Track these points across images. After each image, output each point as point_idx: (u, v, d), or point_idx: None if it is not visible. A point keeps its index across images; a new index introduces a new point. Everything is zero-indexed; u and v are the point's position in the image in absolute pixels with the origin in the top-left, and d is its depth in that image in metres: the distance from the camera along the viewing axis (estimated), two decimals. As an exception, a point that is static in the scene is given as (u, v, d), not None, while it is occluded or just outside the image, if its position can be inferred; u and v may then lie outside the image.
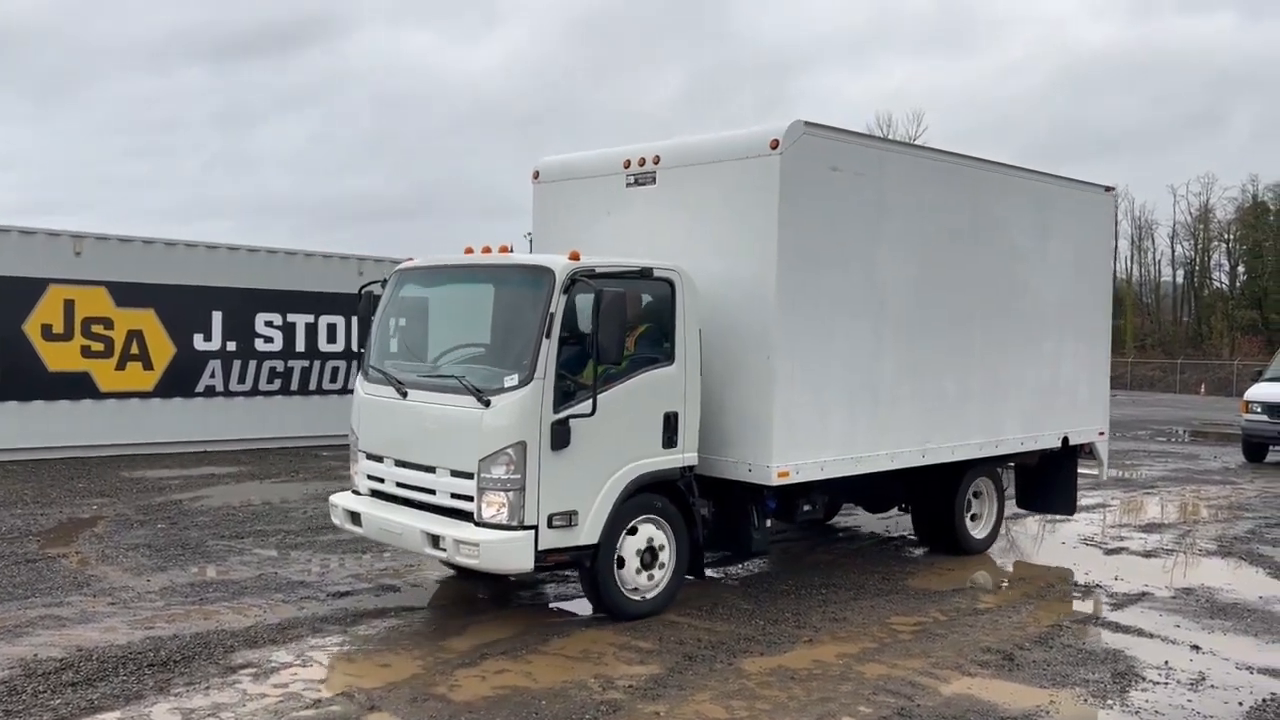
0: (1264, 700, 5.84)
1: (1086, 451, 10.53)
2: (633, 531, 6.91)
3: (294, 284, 16.13)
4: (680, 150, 7.92)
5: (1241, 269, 56.17)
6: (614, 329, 6.36)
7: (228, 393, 15.49)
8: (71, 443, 14.00)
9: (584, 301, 6.51)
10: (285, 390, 16.09)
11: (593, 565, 6.75)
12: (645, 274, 6.95)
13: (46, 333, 13.85)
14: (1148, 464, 17.31)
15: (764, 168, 7.26)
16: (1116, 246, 57.43)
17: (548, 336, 6.41)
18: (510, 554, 6.37)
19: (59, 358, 13.97)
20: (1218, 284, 57.83)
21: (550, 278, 6.53)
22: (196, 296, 15.11)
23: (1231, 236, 56.45)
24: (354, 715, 5.23)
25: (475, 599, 7.64)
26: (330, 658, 6.14)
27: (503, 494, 6.35)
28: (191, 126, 78.61)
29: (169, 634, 6.48)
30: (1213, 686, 6.06)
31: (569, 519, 6.50)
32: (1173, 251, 59.42)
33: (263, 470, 13.73)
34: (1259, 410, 17.79)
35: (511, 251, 7.40)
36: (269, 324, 15.90)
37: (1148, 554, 9.88)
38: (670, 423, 7.02)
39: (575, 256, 6.71)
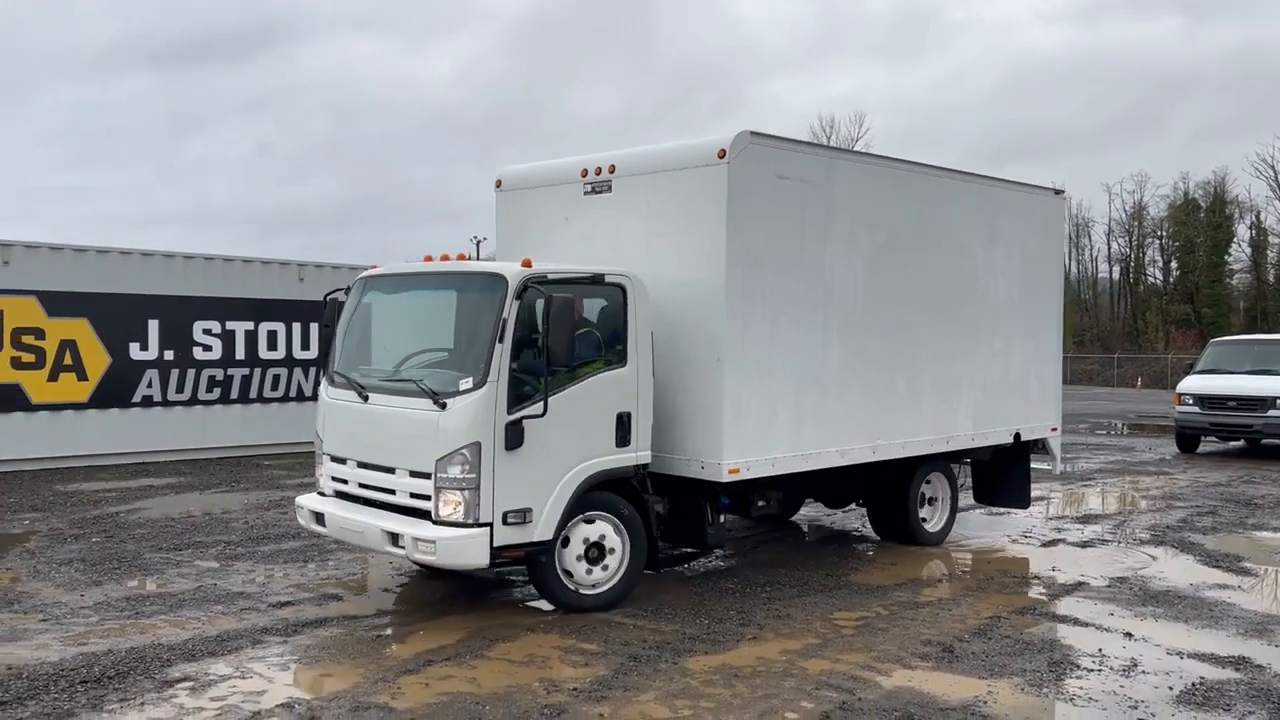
0: (1193, 684, 6.00)
1: (1040, 447, 10.85)
2: (590, 522, 7.16)
3: (233, 291, 15.88)
4: (634, 160, 8.13)
5: (1175, 265, 57.65)
6: (563, 333, 6.62)
7: (166, 402, 15.19)
8: (2, 456, 13.63)
9: (537, 307, 6.74)
10: (225, 399, 15.82)
11: (547, 561, 6.97)
12: (597, 280, 7.19)
13: (-26, 344, 13.48)
14: (1086, 456, 17.69)
15: (712, 176, 7.49)
16: (1055, 244, 58.59)
17: (501, 341, 6.64)
18: (466, 550, 6.59)
19: (-12, 369, 13.59)
20: (1152, 280, 59.33)
21: (503, 284, 6.77)
22: (132, 305, 14.79)
23: (1165, 233, 57.92)
24: (294, 726, 5.16)
25: (420, 606, 7.59)
26: (270, 669, 6.05)
27: (459, 493, 6.59)
28: (135, 135, 77.10)
29: (103, 649, 6.34)
30: (1144, 672, 6.21)
31: (523, 516, 6.72)
32: (1109, 248, 60.91)
33: (203, 481, 13.49)
34: (1190, 402, 18.27)
35: (469, 260, 7.59)
36: (207, 332, 15.63)
37: (1084, 544, 10.10)
38: (623, 422, 7.24)
39: (528, 263, 6.95)
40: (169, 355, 15.20)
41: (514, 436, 6.66)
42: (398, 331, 7.86)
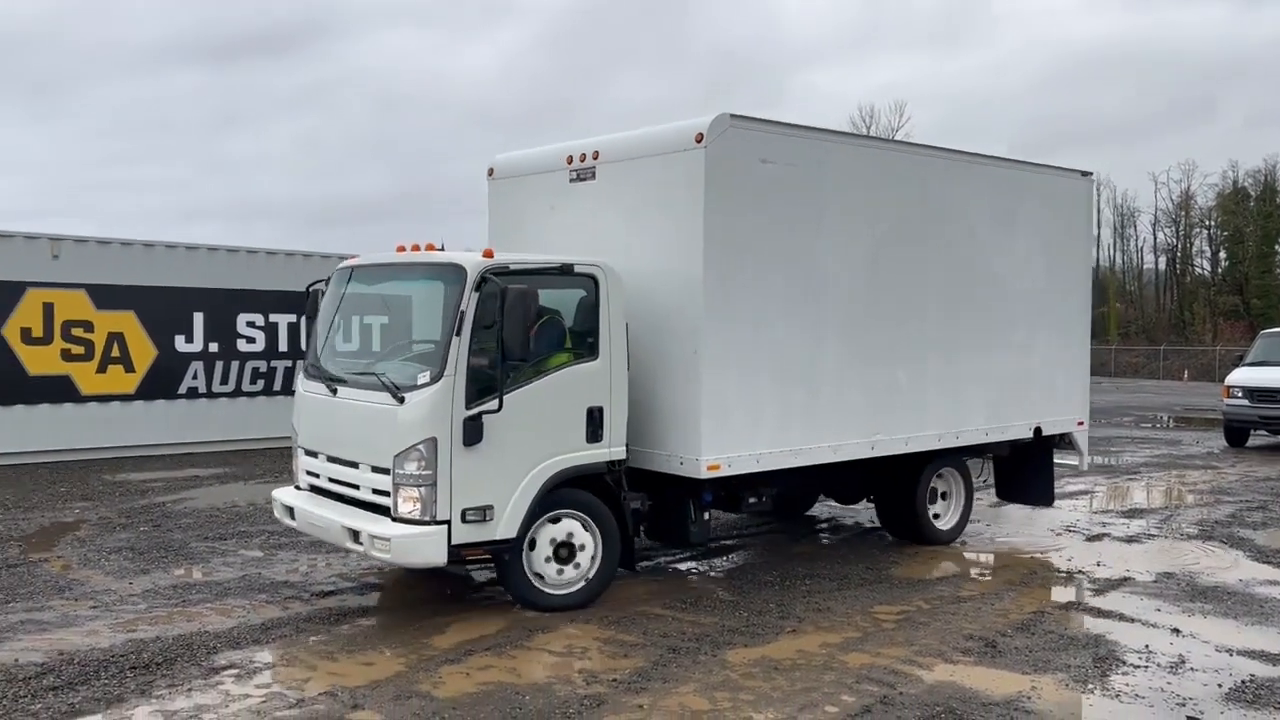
0: (1243, 682, 5.90)
1: (1066, 442, 10.40)
2: (555, 521, 6.99)
3: (276, 284, 16.03)
4: (617, 145, 7.89)
5: (1223, 255, 56.55)
6: (518, 326, 6.44)
7: (210, 394, 15.41)
8: (53, 446, 13.90)
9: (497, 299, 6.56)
10: (268, 390, 16.01)
11: (512, 559, 6.83)
12: (566, 271, 7.02)
13: (26, 336, 13.75)
14: (1131, 450, 17.42)
15: (690, 161, 7.23)
16: (1099, 235, 57.83)
17: (458, 334, 6.48)
18: (420, 548, 6.46)
19: (39, 361, 13.87)
20: (1200, 270, 58.21)
21: (462, 275, 6.61)
22: (177, 298, 15.02)
23: (1213, 223, 56.82)
24: (337, 714, 5.22)
25: (461, 596, 7.64)
26: (313, 657, 6.13)
27: (416, 489, 6.45)
28: (181, 130, 78.03)
29: (151, 636, 6.46)
30: (1193, 669, 6.11)
31: (483, 514, 6.57)
32: (1154, 239, 59.81)
33: (247, 471, 13.67)
34: (1240, 395, 17.91)
35: (439, 250, 7.40)
36: (251, 324, 15.82)
37: (1130, 539, 9.95)
38: (594, 417, 7.07)
39: (489, 254, 6.81)
40: (213, 347, 15.43)
41: (472, 432, 6.47)
42: (367, 323, 7.74)
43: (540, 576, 6.99)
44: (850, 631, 6.76)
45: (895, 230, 8.54)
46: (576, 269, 7.05)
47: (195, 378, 15.26)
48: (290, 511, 7.42)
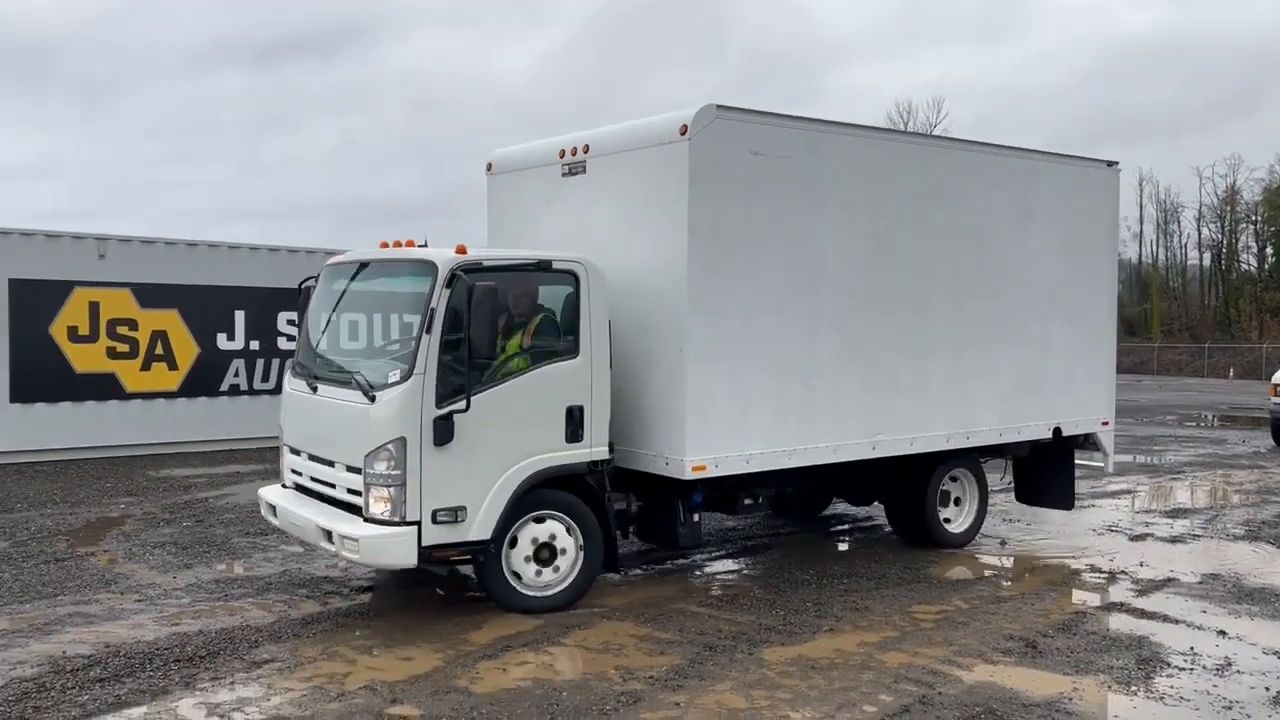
0: (1291, 685, 5.79)
1: (1090, 443, 10.03)
2: (539, 521, 6.89)
3: (315, 282, 16.20)
4: (606, 139, 7.74)
5: (1270, 251, 55.49)
6: (484, 323, 6.32)
7: (251, 391, 15.61)
8: (99, 443, 14.16)
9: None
10: (308, 388, 16.17)
11: (488, 561, 6.74)
12: (544, 266, 6.91)
13: (73, 335, 14.01)
14: (1175, 449, 17.15)
15: (674, 154, 7.06)
16: (1141, 231, 56.97)
17: (428, 331, 6.38)
18: (389, 549, 6.39)
19: (85, 359, 14.12)
20: (1245, 266, 57.19)
21: (433, 272, 6.51)
22: (219, 296, 15.23)
23: (1259, 218, 55.76)
24: (376, 708, 5.27)
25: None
26: (353, 652, 6.19)
27: (386, 489, 6.37)
28: (227, 130, 79.08)
29: (195, 630, 6.56)
30: (1239, 672, 6.00)
31: (455, 515, 6.46)
32: (1199, 234, 58.82)
33: (287, 467, 13.82)
34: (1288, 393, 17.56)
35: (419, 246, 7.26)
36: (291, 322, 15.98)
37: (1174, 539, 9.80)
38: (574, 416, 6.92)
39: (462, 250, 6.67)
40: (254, 345, 15.62)
41: (443, 432, 6.36)
42: (346, 320, 7.67)
43: (518, 576, 6.85)
44: (888, 631, 6.71)
45: (900, 222, 8.28)
46: (555, 265, 6.91)
47: (237, 375, 15.47)
48: (274, 510, 7.39)
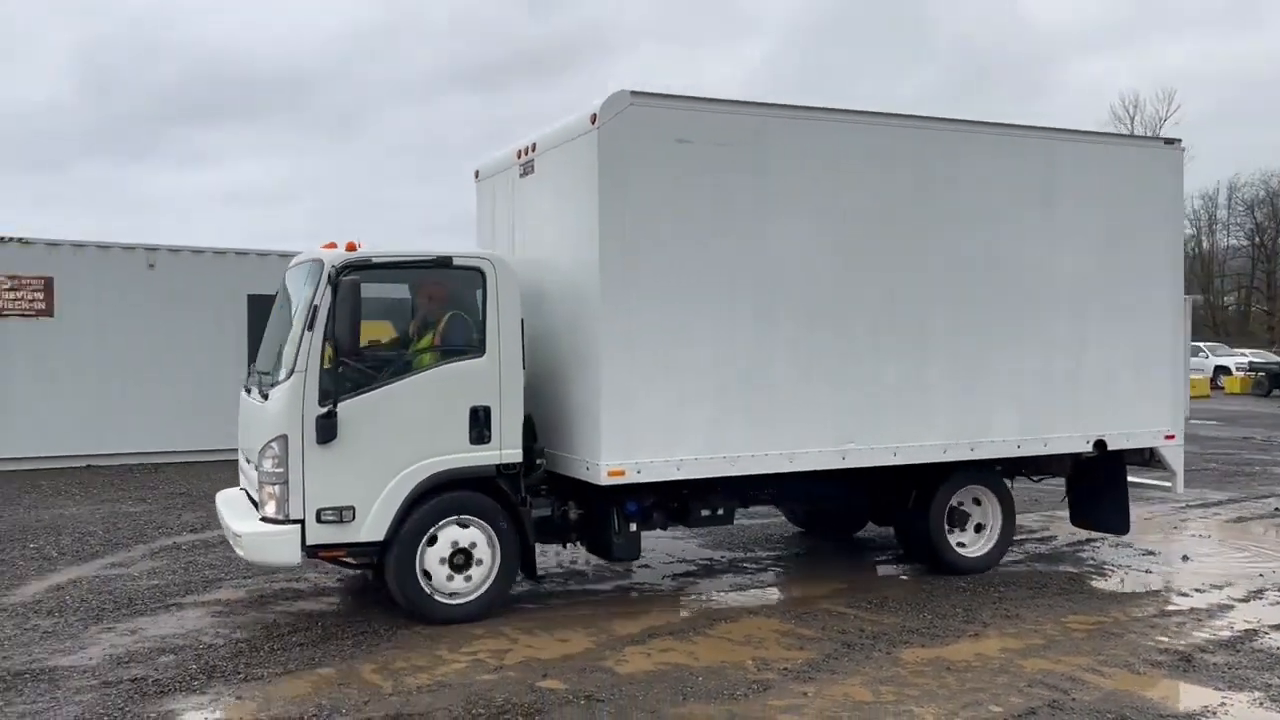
0: None
1: (1155, 460, 8.94)
2: (463, 526, 6.80)
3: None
4: (548, 136, 7.59)
5: None
6: (347, 321, 6.32)
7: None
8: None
9: (365, 293, 6.51)
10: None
11: (381, 562, 6.72)
12: (443, 263, 6.84)
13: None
14: None
15: (585, 145, 6.88)
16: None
17: (310, 329, 6.45)
18: (270, 547, 6.46)
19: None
20: None
21: (320, 270, 6.61)
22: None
23: None
24: (528, 681, 5.82)
25: (655, 586, 8.12)
26: (516, 632, 6.77)
27: (273, 486, 6.45)
28: (455, 151, 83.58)
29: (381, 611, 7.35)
30: None
31: (341, 515, 6.44)
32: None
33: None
34: None
35: (357, 247, 7.04)
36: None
37: (1385, 561, 9.07)
38: (479, 417, 6.74)
39: (352, 247, 6.69)
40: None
41: (325, 430, 6.34)
42: (278, 322, 7.57)
43: (429, 576, 6.71)
44: (1035, 639, 6.69)
45: (877, 210, 7.68)
46: (456, 262, 6.83)
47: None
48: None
